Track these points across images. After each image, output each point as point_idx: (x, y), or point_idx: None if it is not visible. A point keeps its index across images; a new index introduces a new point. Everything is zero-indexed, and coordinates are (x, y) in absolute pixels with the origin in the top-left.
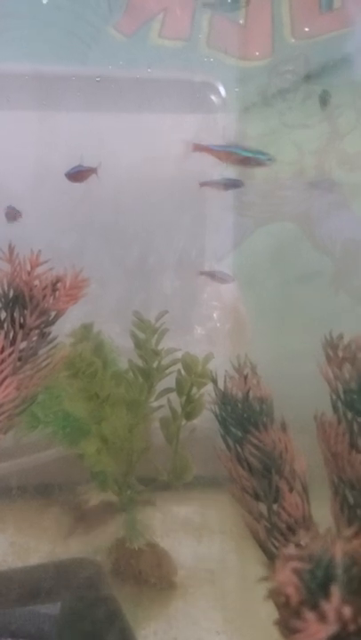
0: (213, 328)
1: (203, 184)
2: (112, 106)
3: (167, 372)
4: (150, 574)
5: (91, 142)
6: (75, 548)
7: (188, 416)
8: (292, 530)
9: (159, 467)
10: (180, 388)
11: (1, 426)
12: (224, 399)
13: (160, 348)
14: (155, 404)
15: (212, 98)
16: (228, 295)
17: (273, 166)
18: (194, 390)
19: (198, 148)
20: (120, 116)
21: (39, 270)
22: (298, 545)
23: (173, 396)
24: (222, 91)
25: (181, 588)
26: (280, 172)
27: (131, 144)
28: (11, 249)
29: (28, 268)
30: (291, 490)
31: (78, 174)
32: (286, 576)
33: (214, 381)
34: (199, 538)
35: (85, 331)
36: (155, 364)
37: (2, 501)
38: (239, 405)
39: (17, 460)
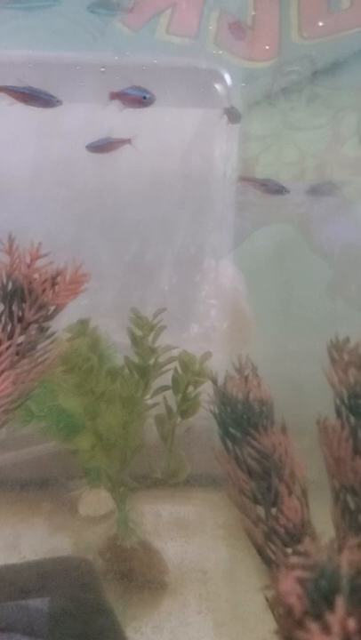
0: (211, 326)
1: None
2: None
3: (164, 369)
4: (141, 573)
5: (91, 133)
6: (66, 544)
7: (184, 414)
8: (290, 535)
9: (153, 464)
10: (176, 386)
11: None
12: (223, 399)
13: (157, 345)
14: (150, 402)
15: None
16: (231, 293)
17: (274, 167)
18: (190, 389)
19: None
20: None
21: (39, 263)
22: (301, 553)
23: (169, 393)
24: (228, 80)
25: (172, 587)
26: (280, 174)
27: (133, 136)
28: (10, 240)
29: (28, 260)
30: (290, 494)
31: (106, 146)
32: (289, 585)
33: (214, 381)
34: (192, 537)
35: (82, 326)
36: (151, 362)
37: None
38: (239, 406)
39: (9, 454)
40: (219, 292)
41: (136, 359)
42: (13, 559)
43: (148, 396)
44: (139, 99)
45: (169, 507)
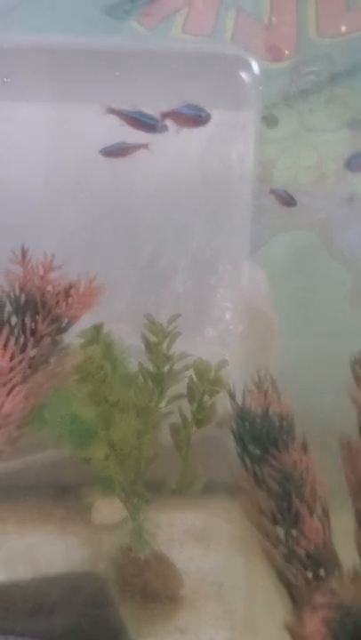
0: (226, 330)
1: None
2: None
3: (179, 377)
4: (156, 586)
5: (103, 136)
6: (79, 554)
7: (200, 424)
8: (311, 558)
9: (167, 475)
10: (191, 394)
11: (8, 436)
12: (241, 414)
13: (171, 351)
14: (165, 410)
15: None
16: (255, 297)
17: (292, 171)
18: (206, 398)
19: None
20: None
21: (52, 275)
22: (326, 592)
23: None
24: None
25: (188, 602)
26: (299, 177)
27: (146, 139)
28: (23, 252)
29: (41, 272)
30: (311, 514)
31: (121, 150)
32: (314, 626)
33: (232, 395)
34: (207, 548)
35: (95, 332)
36: (166, 369)
37: (5, 501)
38: (258, 421)
39: (19, 460)
40: (235, 295)
41: (150, 365)
42: (27, 568)
43: (162, 405)
44: (194, 118)
45: (182, 515)
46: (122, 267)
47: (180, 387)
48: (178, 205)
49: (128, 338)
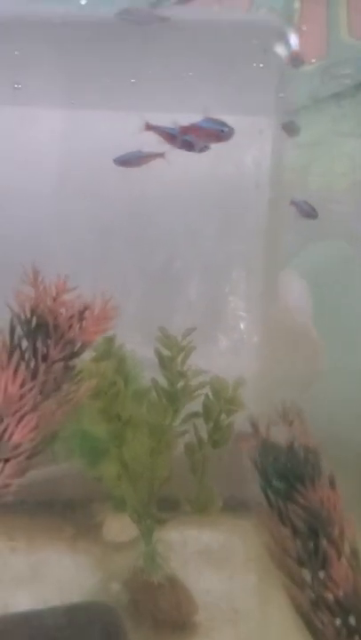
0: (239, 339)
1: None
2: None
3: (194, 394)
4: (170, 613)
5: (114, 142)
6: (89, 573)
7: (216, 444)
8: (340, 604)
9: (182, 493)
10: (207, 413)
11: (19, 467)
12: (265, 446)
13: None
14: (180, 429)
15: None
16: (296, 312)
17: (325, 178)
18: (222, 417)
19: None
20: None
21: (66, 297)
22: None
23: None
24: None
25: (203, 630)
26: (333, 185)
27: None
28: (35, 272)
29: (54, 293)
30: (339, 556)
31: (136, 160)
32: None
33: (255, 426)
34: (221, 570)
35: (108, 345)
36: (180, 385)
37: (13, 518)
38: (282, 455)
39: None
40: (250, 303)
41: (163, 381)
42: (36, 588)
43: (177, 423)
44: (216, 133)
45: (196, 533)
46: (134, 273)
47: (195, 404)
48: (191, 211)
49: (140, 348)
